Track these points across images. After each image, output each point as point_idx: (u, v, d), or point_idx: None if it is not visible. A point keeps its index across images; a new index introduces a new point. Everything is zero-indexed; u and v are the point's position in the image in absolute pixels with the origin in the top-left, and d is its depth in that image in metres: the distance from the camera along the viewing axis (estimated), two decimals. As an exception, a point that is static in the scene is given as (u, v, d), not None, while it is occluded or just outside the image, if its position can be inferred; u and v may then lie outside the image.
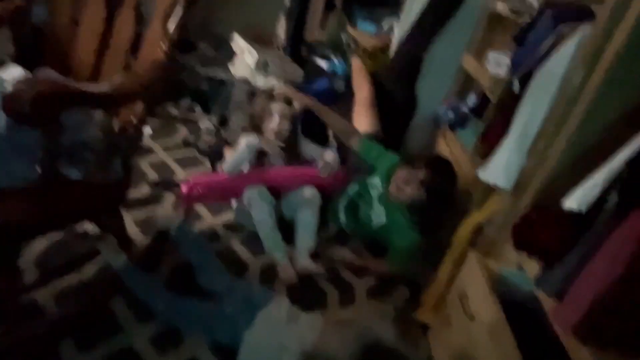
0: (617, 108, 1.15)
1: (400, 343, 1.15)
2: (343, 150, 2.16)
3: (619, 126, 1.15)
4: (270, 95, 1.93)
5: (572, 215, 1.07)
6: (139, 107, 1.24)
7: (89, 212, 1.24)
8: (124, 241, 1.49)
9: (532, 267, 1.22)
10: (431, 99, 2.36)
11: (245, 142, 1.84)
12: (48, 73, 1.18)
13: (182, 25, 1.21)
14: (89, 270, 1.51)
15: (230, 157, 1.85)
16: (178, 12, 1.20)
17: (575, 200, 1.06)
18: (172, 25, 1.21)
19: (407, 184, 1.77)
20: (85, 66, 1.35)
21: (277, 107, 1.90)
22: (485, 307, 1.29)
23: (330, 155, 1.95)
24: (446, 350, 1.47)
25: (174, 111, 2.76)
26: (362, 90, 2.36)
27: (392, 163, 1.91)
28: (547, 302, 1.11)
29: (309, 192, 1.86)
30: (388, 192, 1.86)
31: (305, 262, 1.76)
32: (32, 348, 1.28)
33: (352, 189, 2.01)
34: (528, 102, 1.45)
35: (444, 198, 1.82)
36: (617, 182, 0.97)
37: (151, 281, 1.50)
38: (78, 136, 1.14)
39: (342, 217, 2.02)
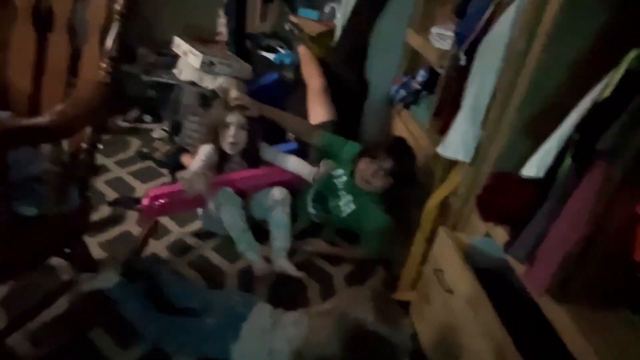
0: (562, 71, 1.19)
1: (379, 324, 1.17)
2: (302, 145, 2.16)
3: (565, 88, 1.19)
4: (226, 105, 1.88)
5: (532, 181, 1.11)
6: (87, 130, 1.19)
7: (52, 247, 1.19)
8: (91, 270, 1.44)
9: (500, 235, 1.26)
10: (382, 79, 2.38)
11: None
12: (-15, 111, 1.11)
13: (120, 40, 1.16)
14: (61, 304, 1.46)
15: (186, 178, 1.76)
16: (114, 27, 1.15)
17: (533, 166, 1.09)
18: (109, 42, 1.16)
19: (375, 177, 1.79)
20: (23, 96, 1.27)
21: (233, 118, 1.86)
22: (460, 279, 1.33)
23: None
24: (429, 325, 1.51)
25: (122, 124, 2.67)
26: (314, 78, 2.35)
27: (353, 152, 1.92)
28: (519, 267, 1.15)
29: (279, 193, 1.85)
30: (353, 181, 1.87)
31: (283, 264, 1.76)
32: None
33: (317, 181, 2.01)
34: (476, 73, 1.48)
35: (410, 178, 1.85)
36: (569, 146, 1.00)
37: (141, 301, 1.45)
38: (28, 171, 1.09)
39: (311, 209, 2.02)
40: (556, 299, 1.03)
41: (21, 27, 1.30)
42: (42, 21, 1.25)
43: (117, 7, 1.15)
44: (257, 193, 1.91)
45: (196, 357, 1.40)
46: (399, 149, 1.83)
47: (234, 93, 1.93)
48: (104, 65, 1.16)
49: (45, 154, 1.12)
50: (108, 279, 1.43)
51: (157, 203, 1.78)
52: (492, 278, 1.30)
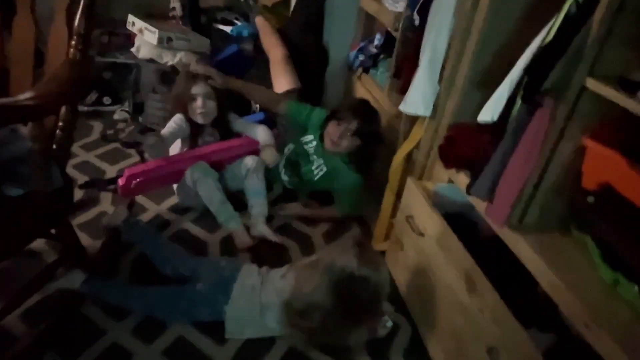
0: (508, 24, 1.29)
1: (363, 268, 1.28)
2: (270, 114, 2.21)
3: (513, 39, 1.30)
4: (190, 77, 1.90)
5: (487, 126, 1.22)
6: (63, 110, 1.21)
7: (39, 227, 1.21)
8: (78, 249, 1.47)
9: (462, 181, 1.37)
10: (340, 45, 2.44)
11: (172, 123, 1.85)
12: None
13: (89, 18, 1.17)
14: (50, 286, 1.48)
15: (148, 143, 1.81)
16: (81, 3, 1.16)
17: (487, 112, 1.20)
18: (77, 20, 1.17)
19: (343, 138, 1.87)
20: (-10, 80, 1.27)
21: (199, 89, 1.88)
22: (430, 222, 1.45)
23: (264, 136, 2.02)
24: (403, 269, 1.64)
25: (81, 108, 2.62)
26: (275, 48, 2.38)
27: (321, 118, 1.99)
28: (481, 205, 1.28)
29: (252, 161, 1.90)
30: (323, 145, 1.95)
31: (262, 229, 1.83)
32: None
33: (288, 148, 2.08)
34: (430, 32, 1.55)
35: (376, 137, 1.94)
36: (519, 88, 1.11)
37: (117, 285, 1.52)
38: (8, 152, 1.10)
39: (285, 176, 2.10)
40: (514, 228, 1.16)
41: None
42: (5, 3, 1.23)
43: (83, -17, 1.16)
44: (231, 164, 1.96)
45: (190, 322, 1.47)
46: (364, 110, 1.91)
47: (196, 65, 1.94)
48: (74, 44, 1.17)
49: (24, 134, 1.14)
50: (74, 279, 1.46)
51: (133, 182, 1.80)
52: (456, 220, 1.43)
